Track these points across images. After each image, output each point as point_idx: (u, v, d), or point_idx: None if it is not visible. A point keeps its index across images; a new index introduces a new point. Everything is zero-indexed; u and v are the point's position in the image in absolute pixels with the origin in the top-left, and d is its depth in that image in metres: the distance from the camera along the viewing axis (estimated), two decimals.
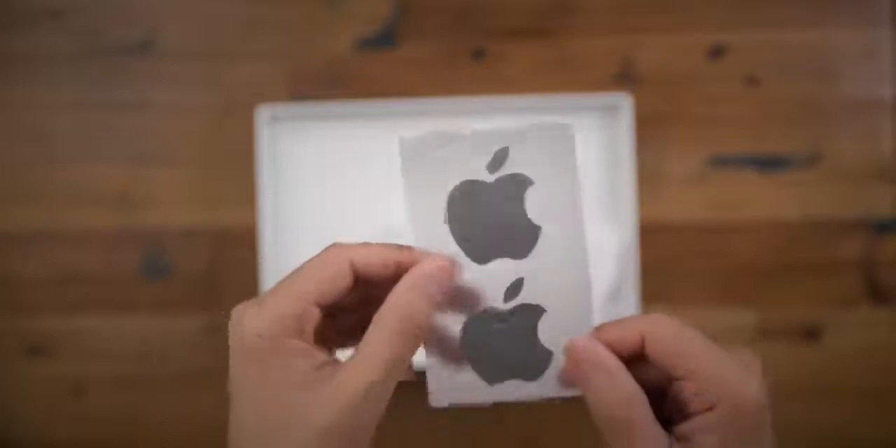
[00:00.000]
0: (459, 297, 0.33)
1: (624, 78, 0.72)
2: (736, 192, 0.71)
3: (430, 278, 0.31)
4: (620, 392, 0.31)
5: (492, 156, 0.33)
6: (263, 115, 0.69)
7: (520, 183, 0.33)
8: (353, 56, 0.72)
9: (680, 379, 0.32)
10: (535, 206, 0.33)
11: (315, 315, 0.32)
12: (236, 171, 0.71)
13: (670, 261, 0.71)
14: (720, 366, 0.31)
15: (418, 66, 0.72)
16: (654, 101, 0.71)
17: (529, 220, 0.33)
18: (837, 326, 0.71)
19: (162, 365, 0.72)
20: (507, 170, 0.33)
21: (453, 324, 0.33)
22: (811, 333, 0.71)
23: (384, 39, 0.72)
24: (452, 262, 0.32)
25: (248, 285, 0.68)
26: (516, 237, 0.33)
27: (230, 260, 0.72)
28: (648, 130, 0.70)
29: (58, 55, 0.73)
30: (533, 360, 0.33)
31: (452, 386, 0.33)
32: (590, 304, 0.33)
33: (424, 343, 0.33)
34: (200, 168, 0.72)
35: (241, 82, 0.72)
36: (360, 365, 0.31)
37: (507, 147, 0.33)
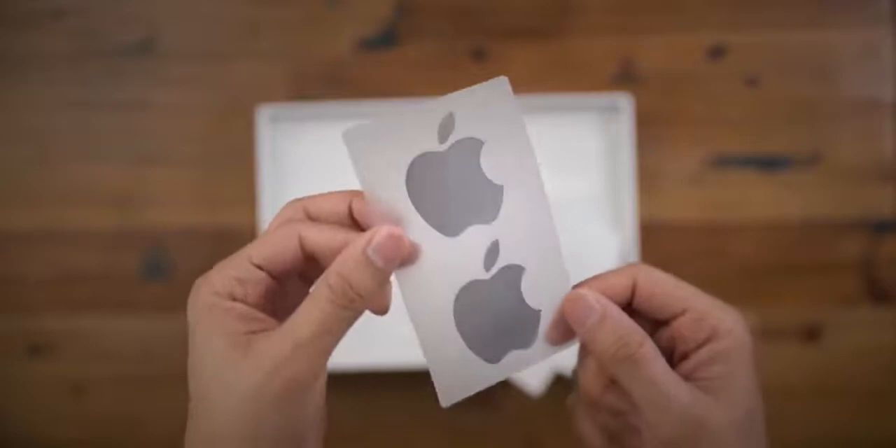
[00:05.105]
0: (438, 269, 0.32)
1: (624, 78, 0.72)
2: (736, 192, 0.71)
3: (374, 248, 0.30)
4: (620, 328, 0.31)
5: (438, 125, 0.32)
6: (263, 115, 0.69)
7: (471, 146, 0.32)
8: (354, 56, 0.72)
9: (675, 318, 0.33)
10: (491, 166, 0.32)
11: (258, 278, 0.32)
12: (236, 171, 0.71)
13: (670, 261, 0.71)
14: (714, 303, 0.33)
15: (418, 66, 0.72)
16: (654, 101, 0.71)
17: (490, 181, 0.32)
18: (837, 326, 0.71)
19: (162, 365, 0.72)
20: (456, 136, 0.32)
21: (444, 306, 0.32)
22: (811, 333, 0.71)
23: (384, 39, 0.72)
24: (399, 234, 0.31)
25: None
26: (481, 201, 0.32)
27: None
28: (648, 130, 0.70)
29: (57, 55, 0.73)
30: (525, 325, 0.33)
31: (458, 379, 0.33)
32: (561, 258, 0.33)
33: (420, 342, 0.32)
34: (200, 168, 0.72)
35: (241, 82, 0.72)
36: (287, 327, 0.30)
37: (452, 113, 0.32)
